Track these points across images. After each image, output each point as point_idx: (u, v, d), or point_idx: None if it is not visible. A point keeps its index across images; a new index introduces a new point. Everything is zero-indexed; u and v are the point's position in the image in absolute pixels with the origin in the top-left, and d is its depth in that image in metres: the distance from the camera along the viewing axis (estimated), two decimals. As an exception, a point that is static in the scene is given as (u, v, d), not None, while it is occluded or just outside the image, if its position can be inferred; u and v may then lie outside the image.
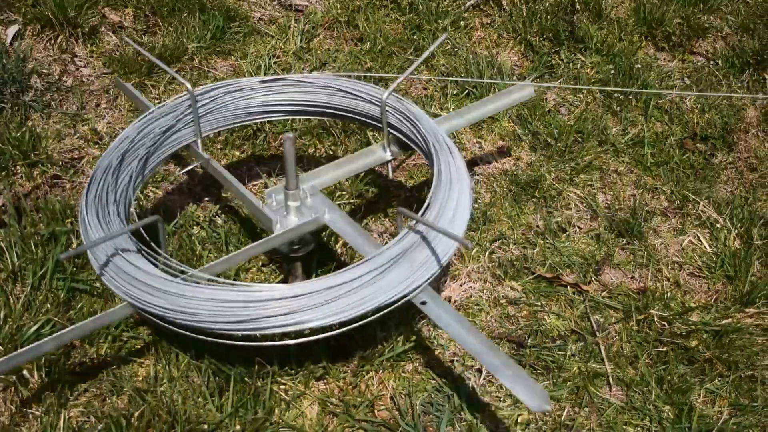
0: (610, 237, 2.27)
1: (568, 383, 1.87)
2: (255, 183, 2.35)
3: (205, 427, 1.71)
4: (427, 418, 1.79)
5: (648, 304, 2.06)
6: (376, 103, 2.02)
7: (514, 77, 2.79)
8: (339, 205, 2.19)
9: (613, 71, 2.85)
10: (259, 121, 2.14)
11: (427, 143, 1.91)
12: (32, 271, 1.94)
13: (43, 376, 1.75)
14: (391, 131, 2.03)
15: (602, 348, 1.96)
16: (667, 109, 2.76)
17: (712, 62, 3.00)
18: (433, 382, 1.85)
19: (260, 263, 2.09)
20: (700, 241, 2.29)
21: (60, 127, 2.43)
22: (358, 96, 2.06)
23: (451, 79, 2.72)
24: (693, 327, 2.01)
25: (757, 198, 2.46)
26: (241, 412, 1.74)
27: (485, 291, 2.09)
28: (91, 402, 1.75)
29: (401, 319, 1.95)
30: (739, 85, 2.90)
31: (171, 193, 2.29)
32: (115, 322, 1.83)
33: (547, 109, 2.69)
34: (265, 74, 2.67)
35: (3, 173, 2.24)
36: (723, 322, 2.03)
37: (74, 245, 2.01)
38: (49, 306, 1.88)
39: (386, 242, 1.81)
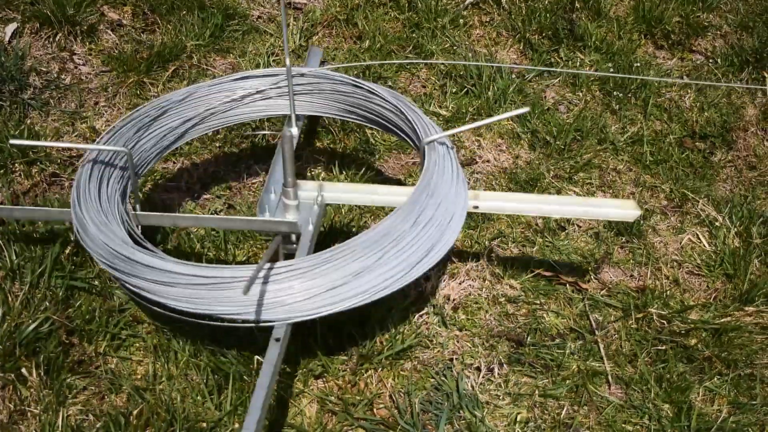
0: (609, 235, 2.27)
1: (567, 381, 1.87)
2: (254, 181, 2.35)
3: (204, 425, 1.71)
4: (426, 416, 1.78)
5: (647, 302, 2.06)
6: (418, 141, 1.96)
7: (513, 75, 2.79)
8: (338, 206, 2.20)
9: (612, 69, 2.85)
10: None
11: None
12: (31, 269, 1.94)
13: (42, 374, 1.75)
14: None
15: (601, 346, 1.96)
16: (666, 107, 2.76)
17: (711, 60, 3.00)
18: (432, 380, 1.85)
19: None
20: (700, 239, 2.29)
21: (58, 125, 2.42)
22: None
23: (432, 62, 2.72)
24: (692, 325, 2.01)
25: (756, 196, 2.46)
26: (240, 410, 1.74)
27: (484, 289, 2.09)
28: (90, 400, 1.75)
29: (400, 317, 1.95)
30: (739, 83, 2.90)
31: (169, 191, 2.29)
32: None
33: (546, 107, 2.69)
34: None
35: (1, 171, 2.23)
36: (722, 320, 2.03)
37: (73, 243, 2.01)
38: (47, 304, 1.88)
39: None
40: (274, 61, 2.77)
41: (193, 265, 1.62)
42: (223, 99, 2.06)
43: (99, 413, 1.71)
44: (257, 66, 2.71)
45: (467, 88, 2.71)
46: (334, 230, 2.17)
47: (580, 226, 2.30)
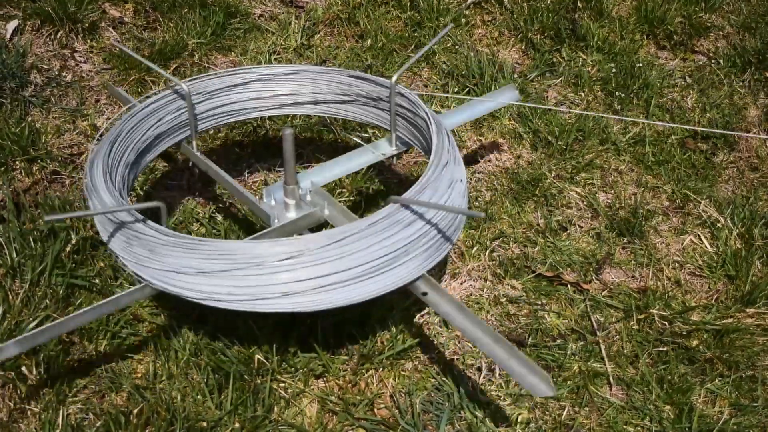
0: (610, 236, 2.27)
1: (569, 382, 1.87)
2: (255, 180, 2.35)
3: (204, 424, 1.70)
4: (427, 416, 1.78)
5: (648, 303, 2.06)
6: (386, 85, 2.01)
7: (515, 75, 2.79)
8: (339, 201, 2.19)
9: (614, 69, 2.85)
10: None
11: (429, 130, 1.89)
12: (31, 267, 1.93)
13: (42, 372, 1.74)
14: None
15: (602, 347, 1.96)
16: (668, 108, 2.76)
17: (713, 61, 3.00)
18: (433, 380, 1.85)
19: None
20: (701, 240, 2.29)
21: (59, 123, 2.42)
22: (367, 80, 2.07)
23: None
24: (694, 326, 2.01)
25: (758, 197, 2.45)
26: (241, 409, 1.74)
27: (485, 289, 2.08)
28: (90, 399, 1.75)
29: (401, 317, 1.95)
30: (741, 84, 2.90)
31: (170, 189, 2.28)
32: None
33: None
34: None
35: (2, 169, 2.23)
36: (724, 321, 2.02)
37: (73, 241, 2.00)
38: (48, 302, 1.88)
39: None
40: (275, 59, 2.77)
41: None
42: (335, 90, 2.09)
43: (99, 412, 1.71)
44: (258, 65, 2.70)
45: (469, 88, 2.71)
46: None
47: (582, 227, 2.30)
